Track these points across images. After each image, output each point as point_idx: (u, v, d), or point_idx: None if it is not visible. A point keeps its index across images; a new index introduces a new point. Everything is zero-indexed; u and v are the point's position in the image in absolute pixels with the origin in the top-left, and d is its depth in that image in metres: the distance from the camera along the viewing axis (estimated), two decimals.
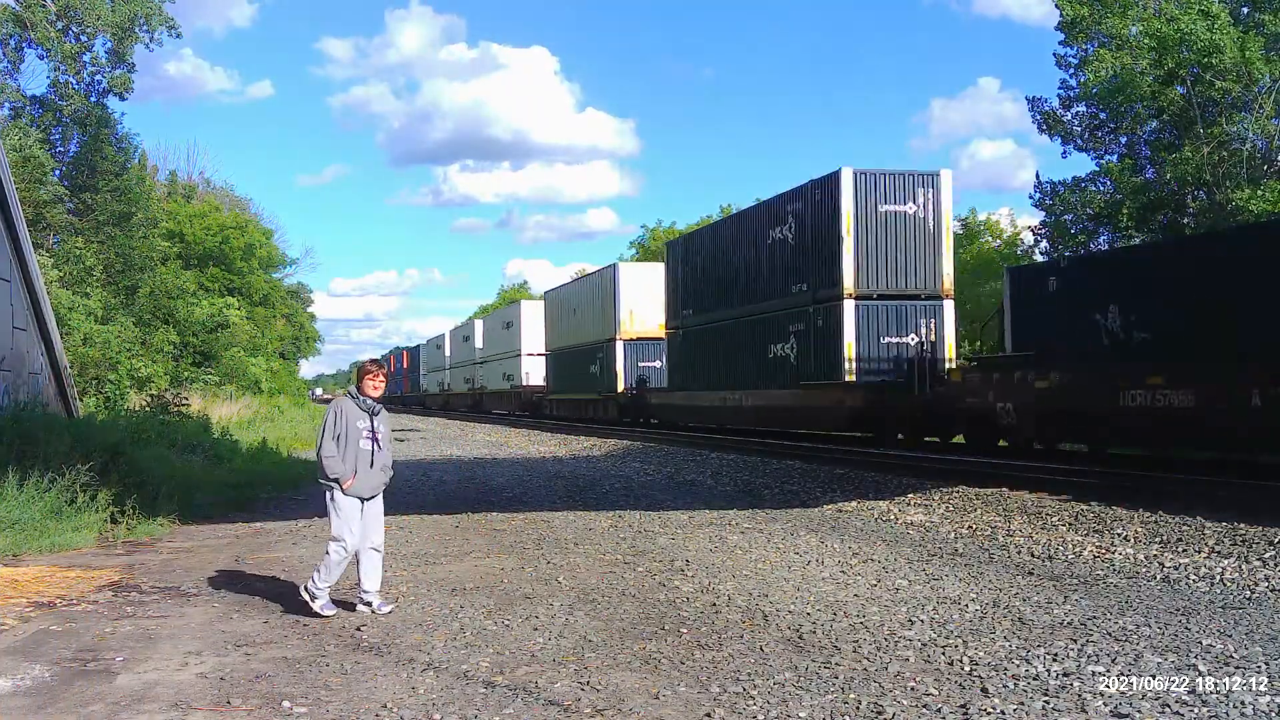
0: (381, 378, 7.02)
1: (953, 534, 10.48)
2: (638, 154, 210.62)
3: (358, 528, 6.83)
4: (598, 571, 8.37)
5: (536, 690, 5.10)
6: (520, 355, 45.22)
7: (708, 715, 4.71)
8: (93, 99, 31.81)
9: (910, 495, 13.24)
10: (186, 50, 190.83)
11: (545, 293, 42.52)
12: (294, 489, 15.78)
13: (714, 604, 7.06)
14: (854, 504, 12.96)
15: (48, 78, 35.08)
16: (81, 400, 19.50)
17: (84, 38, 31.13)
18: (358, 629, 6.46)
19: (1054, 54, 34.15)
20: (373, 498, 6.94)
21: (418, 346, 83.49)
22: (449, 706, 4.86)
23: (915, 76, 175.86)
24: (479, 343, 55.27)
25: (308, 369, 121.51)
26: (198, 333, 38.98)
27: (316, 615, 6.74)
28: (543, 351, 42.37)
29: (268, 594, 7.63)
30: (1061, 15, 32.86)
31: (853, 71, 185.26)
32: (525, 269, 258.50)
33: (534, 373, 43.84)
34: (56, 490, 10.64)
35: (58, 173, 31.02)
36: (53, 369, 17.10)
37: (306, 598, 6.80)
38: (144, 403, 22.90)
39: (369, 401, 6.93)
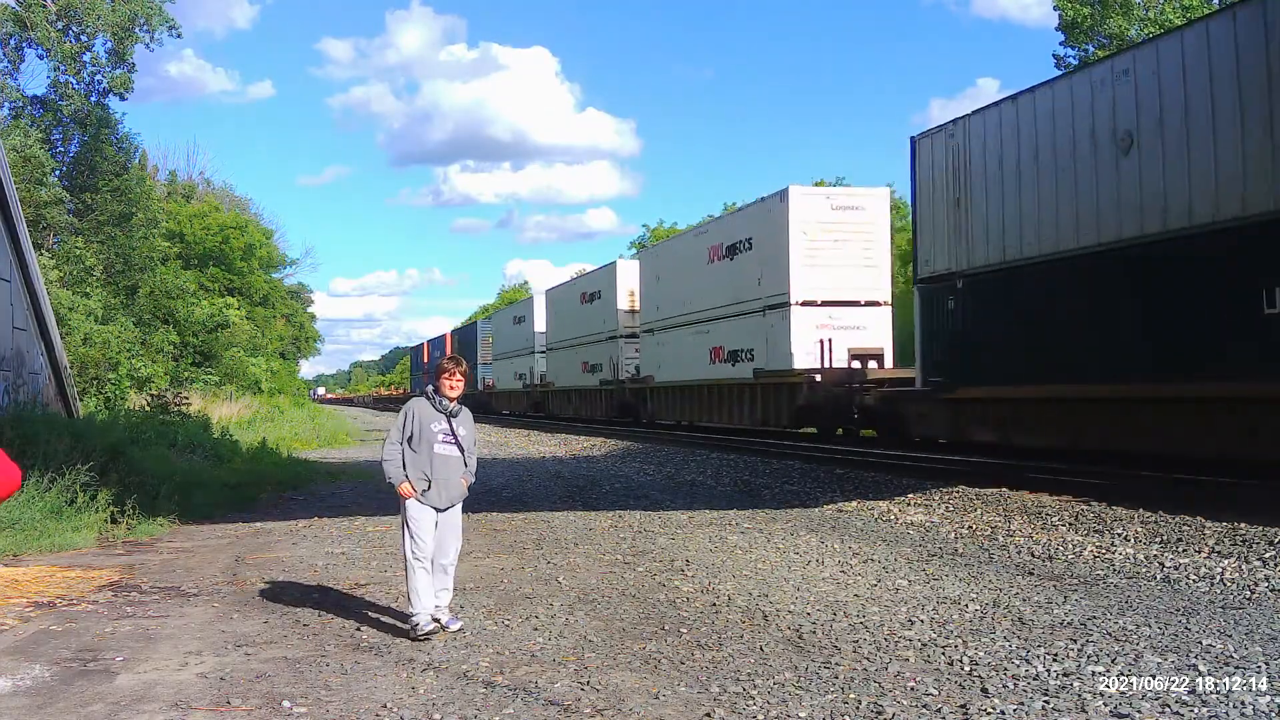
0: (459, 376, 6.35)
1: (953, 534, 10.48)
2: (638, 154, 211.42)
3: (431, 541, 6.21)
4: (598, 571, 8.37)
5: (536, 690, 5.10)
6: (788, 305, 21.38)
7: (708, 715, 4.71)
8: (93, 99, 31.76)
9: (910, 495, 13.23)
10: (187, 51, 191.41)
11: (939, 130, 16.29)
12: (294, 489, 15.79)
13: (714, 604, 7.06)
14: (854, 504, 12.96)
15: (48, 78, 35.06)
16: (81, 400, 19.51)
17: (84, 38, 31.08)
18: (357, 629, 6.47)
19: (1054, 54, 34.21)
20: (449, 508, 6.34)
21: (473, 324, 60.64)
22: (449, 706, 4.86)
23: (915, 76, 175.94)
24: (622, 302, 32.44)
25: (308, 369, 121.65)
26: (198, 333, 39.01)
27: (423, 639, 6.08)
28: (870, 299, 21.46)
29: (268, 594, 7.63)
30: (1061, 17, 32.89)
31: (852, 71, 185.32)
32: (525, 269, 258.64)
33: (841, 342, 20.61)
34: (56, 490, 10.66)
35: (58, 173, 30.98)
36: (53, 369, 17.11)
37: (409, 629, 6.19)
38: (144, 403, 22.94)
39: (445, 402, 6.30)
